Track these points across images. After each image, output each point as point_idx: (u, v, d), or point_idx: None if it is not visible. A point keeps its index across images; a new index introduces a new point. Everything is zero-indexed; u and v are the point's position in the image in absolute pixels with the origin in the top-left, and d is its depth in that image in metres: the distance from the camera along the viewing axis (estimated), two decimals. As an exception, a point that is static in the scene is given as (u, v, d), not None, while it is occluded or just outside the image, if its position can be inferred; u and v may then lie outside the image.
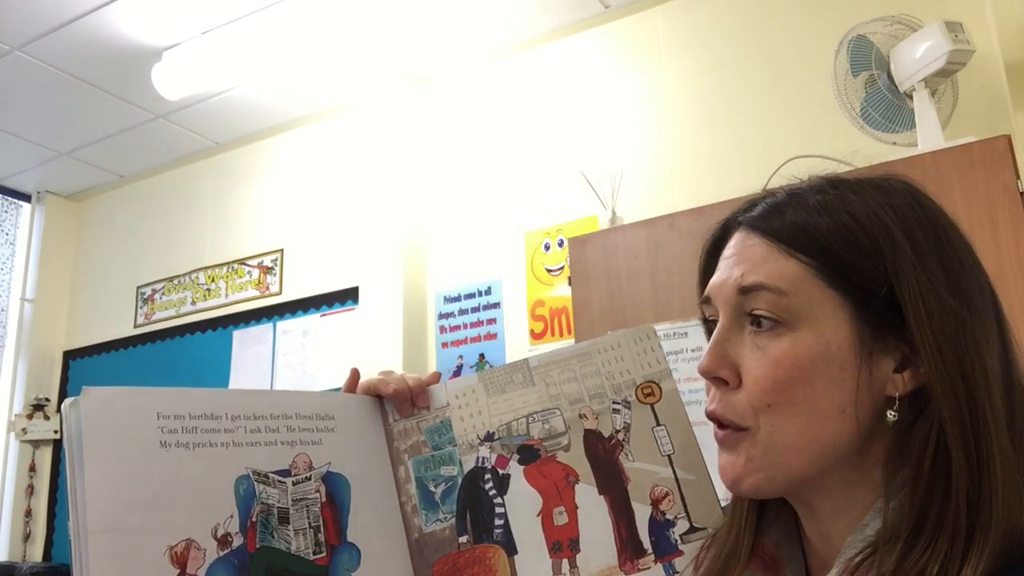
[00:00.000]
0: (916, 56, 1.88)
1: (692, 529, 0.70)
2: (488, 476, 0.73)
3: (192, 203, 3.72)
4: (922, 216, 0.56)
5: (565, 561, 0.70)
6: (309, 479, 0.68)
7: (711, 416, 0.58)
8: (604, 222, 2.51)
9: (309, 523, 0.67)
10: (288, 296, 3.30)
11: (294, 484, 0.67)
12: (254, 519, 0.64)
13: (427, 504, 0.73)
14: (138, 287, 3.79)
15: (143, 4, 2.65)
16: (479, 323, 2.82)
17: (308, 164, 3.39)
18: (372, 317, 2.92)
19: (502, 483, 0.73)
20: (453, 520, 0.72)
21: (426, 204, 3.04)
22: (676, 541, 0.70)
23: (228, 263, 3.52)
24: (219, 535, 0.61)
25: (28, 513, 3.70)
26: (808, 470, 0.55)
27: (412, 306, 2.90)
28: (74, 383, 3.88)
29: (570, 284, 2.25)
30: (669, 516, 0.70)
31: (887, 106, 1.97)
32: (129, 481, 0.59)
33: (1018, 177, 1.65)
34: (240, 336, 3.38)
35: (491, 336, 2.78)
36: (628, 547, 0.70)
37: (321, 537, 0.67)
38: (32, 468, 3.73)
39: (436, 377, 0.78)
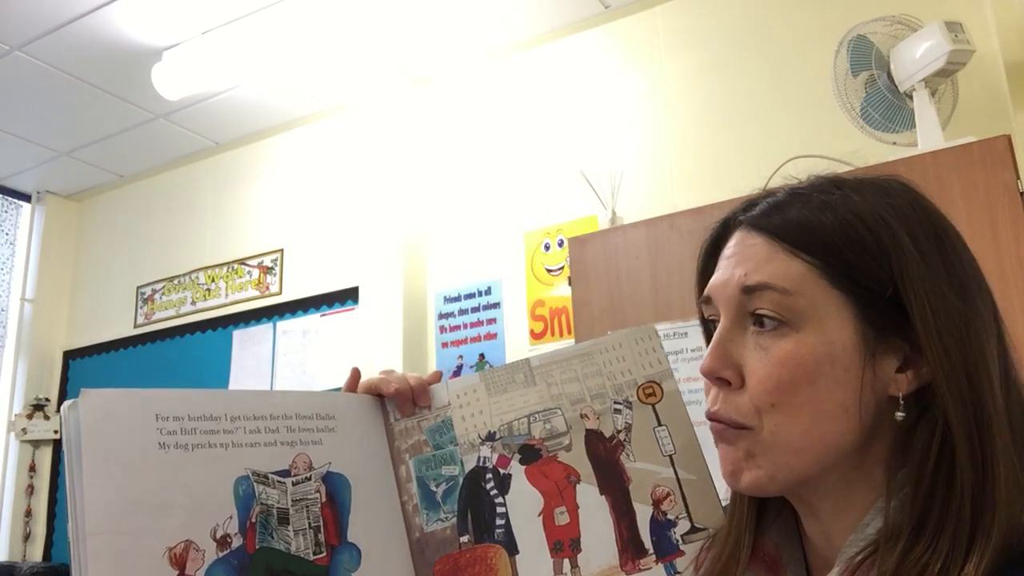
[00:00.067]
0: (916, 56, 1.88)
1: (693, 529, 0.70)
2: (489, 476, 0.73)
3: (192, 203, 3.71)
4: (923, 217, 0.56)
5: (566, 561, 0.70)
6: (309, 479, 0.68)
7: (713, 417, 0.58)
8: (604, 222, 2.51)
9: (309, 523, 0.66)
10: (288, 296, 3.30)
11: (294, 484, 0.67)
12: (253, 520, 0.63)
13: (428, 504, 0.73)
14: (138, 287, 3.79)
15: (143, 4, 2.65)
16: (479, 323, 2.82)
17: (308, 164, 3.39)
18: (372, 317, 2.92)
19: (503, 483, 0.73)
20: (454, 520, 0.72)
21: (426, 204, 3.04)
22: (677, 541, 0.70)
23: (228, 263, 3.52)
24: (218, 536, 0.61)
25: (28, 513, 3.70)
26: (810, 470, 0.55)
27: (412, 306, 2.90)
28: (74, 383, 3.88)
29: (570, 284, 2.25)
30: (670, 516, 0.70)
31: (887, 106, 1.97)
32: (128, 483, 0.58)
33: (1018, 177, 1.65)
34: (240, 336, 3.38)
35: (491, 336, 2.78)
36: (629, 547, 0.70)
37: (321, 537, 0.67)
38: (32, 468, 3.73)
39: (437, 376, 0.78)
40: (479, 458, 0.74)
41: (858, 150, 1.92)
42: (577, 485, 0.72)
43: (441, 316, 2.92)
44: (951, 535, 0.49)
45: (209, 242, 3.61)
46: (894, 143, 1.97)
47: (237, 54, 2.91)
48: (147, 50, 2.89)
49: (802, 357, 0.54)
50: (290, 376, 3.20)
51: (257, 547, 0.63)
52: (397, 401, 0.75)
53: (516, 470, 0.73)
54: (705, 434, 0.63)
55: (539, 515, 0.71)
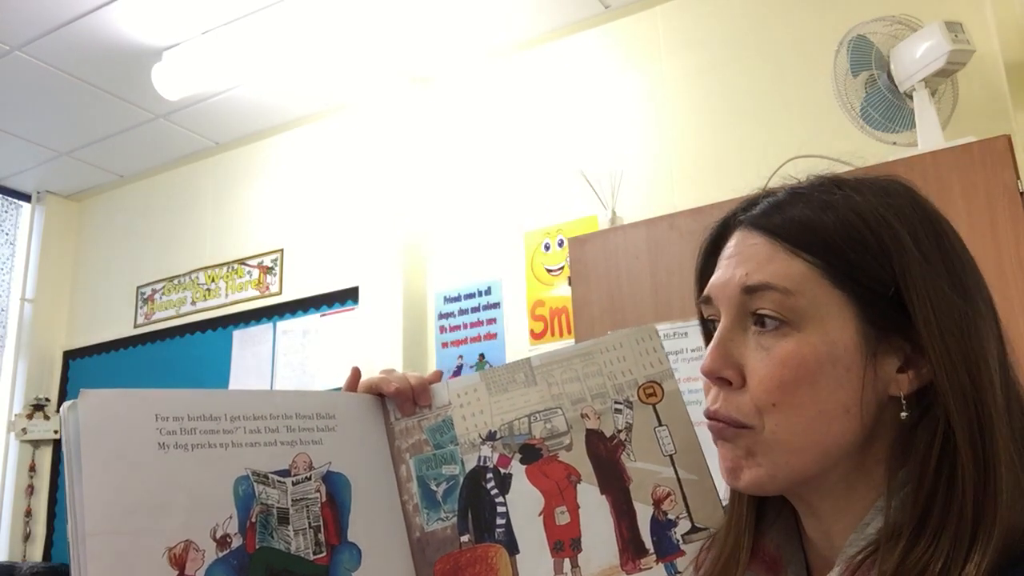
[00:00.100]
0: (916, 56, 1.88)
1: (694, 529, 0.70)
2: (490, 475, 0.73)
3: (192, 203, 3.71)
4: (923, 217, 0.56)
5: (567, 561, 0.70)
6: (309, 479, 0.68)
7: (713, 415, 0.58)
8: (604, 222, 2.51)
9: (309, 523, 0.66)
10: (288, 296, 3.30)
11: (294, 484, 0.67)
12: (253, 520, 0.63)
13: (429, 503, 0.73)
14: (138, 287, 3.79)
15: (143, 4, 2.65)
16: (479, 323, 2.82)
17: (308, 164, 3.39)
18: (372, 317, 2.92)
19: (504, 482, 0.73)
20: (455, 519, 0.72)
21: (426, 204, 3.04)
22: (678, 541, 0.70)
23: (228, 263, 3.52)
24: (218, 536, 0.61)
25: (28, 513, 3.70)
26: (811, 469, 0.55)
27: (412, 306, 2.90)
28: (74, 383, 3.87)
29: (570, 284, 2.25)
30: (671, 516, 0.70)
31: (887, 106, 1.97)
32: (127, 483, 0.58)
33: (1018, 177, 1.65)
34: (240, 336, 3.38)
35: (491, 336, 2.78)
36: (630, 547, 0.70)
37: (321, 537, 0.67)
38: (32, 468, 3.73)
39: (438, 376, 0.78)
40: (480, 457, 0.74)
41: (858, 150, 1.92)
42: (578, 485, 0.72)
43: (441, 316, 2.91)
44: (952, 535, 0.49)
45: (209, 242, 3.61)
46: (894, 143, 1.97)
47: (237, 54, 2.91)
48: (147, 50, 2.89)
49: (804, 357, 0.54)
50: (290, 376, 3.20)
51: (257, 547, 0.63)
52: (397, 400, 0.75)
53: (517, 470, 0.73)
54: (705, 434, 0.62)
55: (540, 515, 0.71)
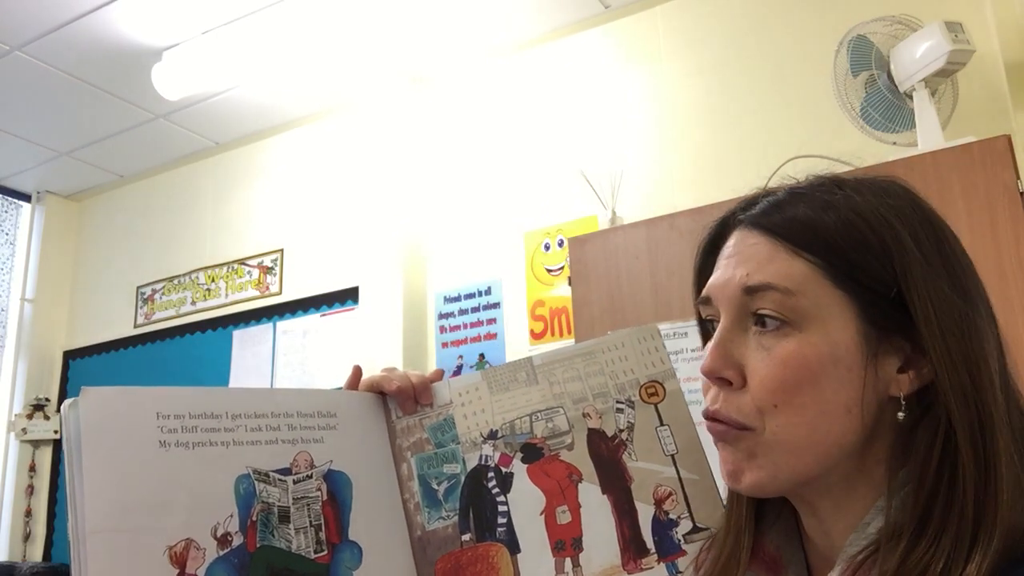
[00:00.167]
0: (916, 56, 1.88)
1: (695, 529, 0.70)
2: (491, 474, 0.73)
3: (192, 203, 3.71)
4: (922, 218, 0.56)
5: (568, 560, 0.70)
6: (310, 477, 0.68)
7: (713, 416, 0.57)
8: (604, 222, 2.51)
9: (310, 521, 0.66)
10: (288, 296, 3.30)
11: (295, 483, 0.67)
12: (254, 518, 0.63)
13: (430, 502, 0.73)
14: (138, 287, 3.79)
15: (143, 4, 2.65)
16: (479, 323, 2.82)
17: (308, 164, 3.39)
18: (372, 317, 2.92)
19: (505, 481, 0.73)
20: (456, 518, 0.72)
21: (426, 204, 3.04)
22: (679, 541, 0.70)
23: (228, 263, 3.51)
24: (219, 534, 0.61)
25: (28, 513, 3.70)
26: (812, 470, 0.55)
27: (412, 306, 2.90)
28: (74, 383, 3.87)
29: (570, 284, 2.25)
30: (672, 516, 0.70)
31: (887, 106, 1.97)
32: (128, 481, 0.58)
33: (1018, 177, 1.65)
34: (240, 336, 3.38)
35: (491, 336, 2.78)
36: (631, 547, 0.70)
37: (322, 536, 0.67)
38: (32, 468, 3.73)
39: (439, 374, 0.77)
40: (481, 456, 0.74)
41: (858, 150, 1.92)
42: (579, 484, 0.72)
43: (441, 316, 2.91)
44: (953, 535, 0.49)
45: (209, 242, 3.61)
46: (894, 143, 1.97)
47: (237, 54, 2.91)
48: (147, 50, 2.89)
49: (805, 357, 0.53)
50: (290, 376, 3.20)
51: (258, 545, 0.63)
52: (399, 399, 0.75)
53: (518, 469, 0.73)
54: (707, 434, 0.62)
55: (541, 514, 0.71)
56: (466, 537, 0.71)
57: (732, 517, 0.64)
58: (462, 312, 2.87)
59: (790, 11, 2.45)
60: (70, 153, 3.66)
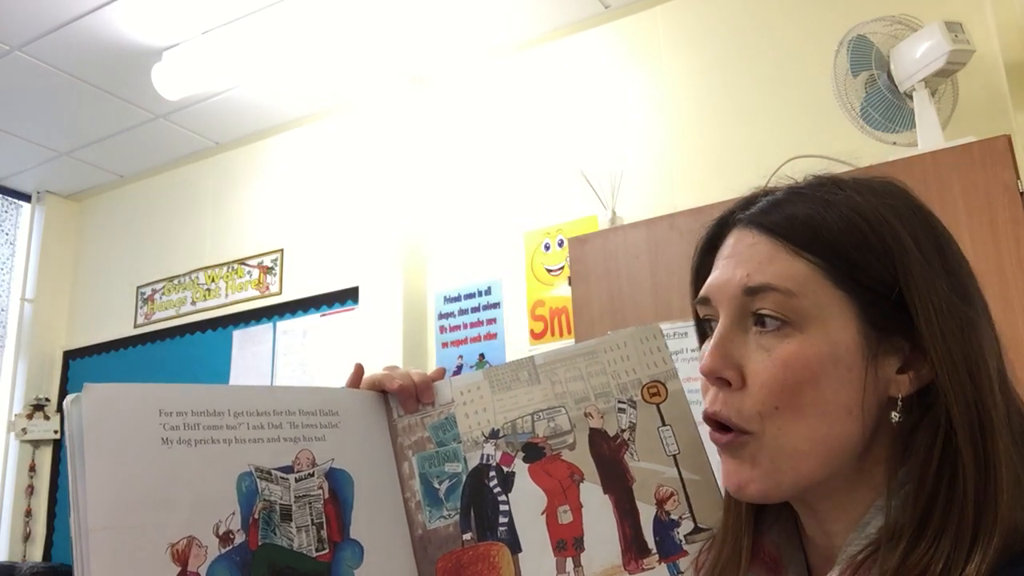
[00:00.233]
0: (916, 56, 1.88)
1: (697, 529, 0.70)
2: (493, 474, 0.73)
3: (192, 203, 3.71)
4: (921, 218, 0.56)
5: (569, 560, 0.70)
6: (312, 475, 0.68)
7: (712, 417, 0.57)
8: (604, 222, 2.51)
9: (312, 520, 0.66)
10: (288, 296, 3.30)
11: (297, 481, 0.67)
12: (256, 516, 0.63)
13: (431, 501, 0.73)
14: (138, 287, 3.79)
15: (143, 4, 2.65)
16: (479, 323, 2.82)
17: (308, 164, 3.39)
18: (372, 317, 2.92)
19: (507, 481, 0.73)
20: (457, 517, 0.72)
21: (426, 204, 3.04)
22: (680, 541, 0.69)
23: (228, 263, 3.51)
24: (221, 532, 0.61)
25: (28, 513, 3.69)
26: (815, 474, 0.54)
27: (412, 306, 2.90)
28: (74, 383, 3.87)
29: (570, 284, 2.25)
30: (674, 516, 0.70)
31: (887, 106, 1.97)
32: (130, 478, 0.58)
33: (1018, 177, 1.65)
34: (240, 336, 3.38)
35: (491, 336, 2.78)
36: (632, 547, 0.69)
37: (324, 534, 0.66)
38: (32, 468, 3.73)
39: (441, 373, 0.77)
40: (482, 455, 0.73)
41: (858, 150, 1.92)
42: (581, 484, 0.72)
43: (441, 316, 2.91)
44: (953, 536, 0.49)
45: (209, 242, 3.61)
46: (894, 143, 1.97)
47: (237, 54, 2.91)
48: (147, 50, 2.89)
49: (806, 358, 0.53)
50: (290, 376, 3.20)
51: (260, 543, 0.63)
52: (401, 397, 0.75)
53: (520, 468, 0.73)
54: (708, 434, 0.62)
55: (542, 513, 0.71)
56: (467, 536, 0.71)
57: (731, 518, 0.63)
58: (462, 312, 2.87)
59: (790, 11, 2.45)
60: (70, 153, 3.66)
